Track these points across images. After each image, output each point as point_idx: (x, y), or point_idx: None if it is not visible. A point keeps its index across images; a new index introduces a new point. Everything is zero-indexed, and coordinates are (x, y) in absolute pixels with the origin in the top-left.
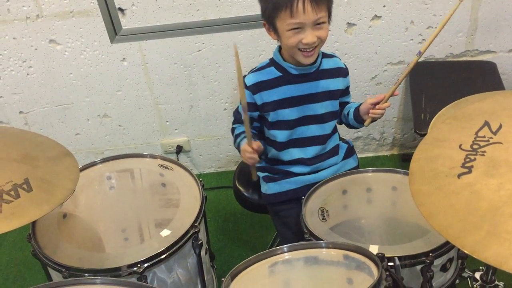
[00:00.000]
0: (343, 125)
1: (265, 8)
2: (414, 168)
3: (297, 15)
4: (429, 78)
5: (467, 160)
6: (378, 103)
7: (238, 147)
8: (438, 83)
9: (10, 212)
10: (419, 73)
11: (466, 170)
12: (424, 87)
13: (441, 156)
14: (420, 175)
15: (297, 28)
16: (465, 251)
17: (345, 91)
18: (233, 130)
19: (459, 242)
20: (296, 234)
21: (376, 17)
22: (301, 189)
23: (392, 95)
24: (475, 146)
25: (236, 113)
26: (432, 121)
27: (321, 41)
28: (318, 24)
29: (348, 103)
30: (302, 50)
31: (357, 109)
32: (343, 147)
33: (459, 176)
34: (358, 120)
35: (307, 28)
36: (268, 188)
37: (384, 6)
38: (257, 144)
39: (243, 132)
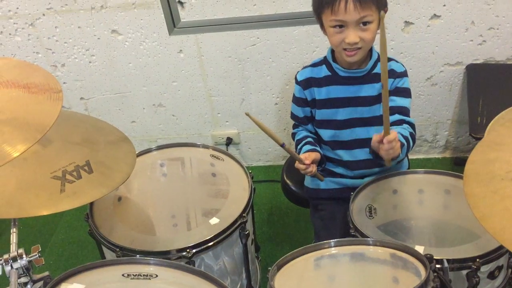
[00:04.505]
0: None
1: (313, 2)
2: (470, 170)
3: (338, 13)
4: (488, 80)
5: None
6: (382, 139)
7: (299, 153)
8: (497, 86)
9: (72, 191)
10: (477, 75)
11: None
12: (482, 90)
13: (498, 160)
14: (475, 177)
15: (340, 26)
16: None
17: (392, 92)
18: (293, 135)
19: None
20: (330, 230)
21: (436, 16)
22: (343, 190)
23: (388, 131)
24: None
25: (293, 117)
26: (490, 123)
27: (365, 43)
28: (364, 23)
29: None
30: (346, 49)
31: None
32: None
33: None
34: (378, 158)
35: (350, 27)
36: (311, 182)
37: (444, 5)
38: (310, 158)
39: (304, 138)
